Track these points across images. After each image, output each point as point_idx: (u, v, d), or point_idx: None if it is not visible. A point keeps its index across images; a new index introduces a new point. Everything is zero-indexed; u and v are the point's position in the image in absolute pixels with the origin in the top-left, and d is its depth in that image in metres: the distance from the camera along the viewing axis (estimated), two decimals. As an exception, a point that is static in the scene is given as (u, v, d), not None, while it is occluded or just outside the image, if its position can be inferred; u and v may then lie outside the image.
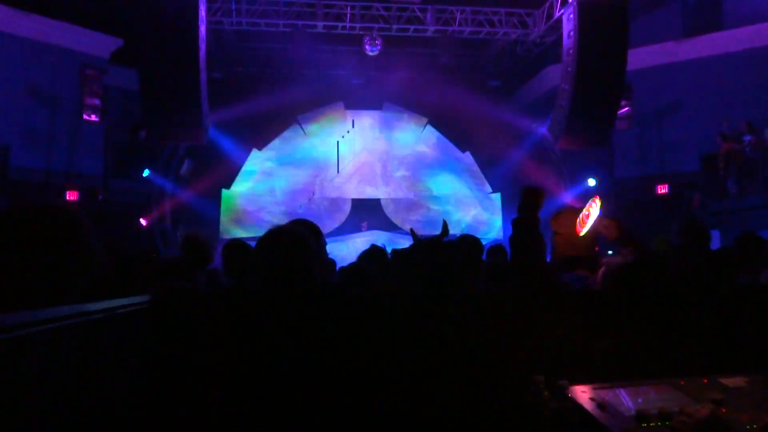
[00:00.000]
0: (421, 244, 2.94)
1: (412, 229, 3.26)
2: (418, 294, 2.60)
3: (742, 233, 3.93)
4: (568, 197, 15.91)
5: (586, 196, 15.28)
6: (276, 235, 2.77)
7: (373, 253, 4.67)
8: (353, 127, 18.71)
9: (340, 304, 2.04)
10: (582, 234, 3.57)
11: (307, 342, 1.88)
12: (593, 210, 3.61)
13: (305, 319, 1.92)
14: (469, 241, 4.63)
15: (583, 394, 1.73)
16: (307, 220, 3.48)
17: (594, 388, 1.77)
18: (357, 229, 17.21)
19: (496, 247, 6.17)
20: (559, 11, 13.84)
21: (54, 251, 1.58)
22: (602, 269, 3.11)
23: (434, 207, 18.49)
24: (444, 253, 2.83)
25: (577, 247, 3.58)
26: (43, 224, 1.60)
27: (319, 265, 2.89)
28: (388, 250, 4.91)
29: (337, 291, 3.03)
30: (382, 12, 14.76)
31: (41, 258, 1.55)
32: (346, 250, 14.34)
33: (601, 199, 3.70)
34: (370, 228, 17.34)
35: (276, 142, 18.31)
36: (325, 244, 3.53)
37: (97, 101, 15.63)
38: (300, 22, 14.66)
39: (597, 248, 3.75)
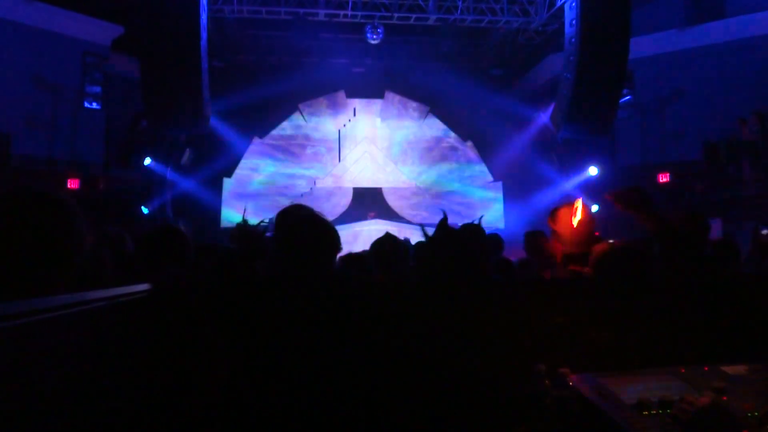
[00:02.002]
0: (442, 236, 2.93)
1: (422, 226, 3.24)
2: (424, 285, 2.60)
3: (688, 213, 3.88)
4: (569, 186, 15.91)
5: (588, 186, 15.37)
6: (302, 221, 2.75)
7: (387, 241, 4.57)
8: (355, 115, 18.70)
9: (347, 293, 2.04)
10: (575, 226, 3.53)
11: (316, 332, 1.88)
12: (578, 210, 3.58)
13: (315, 310, 1.92)
14: (471, 230, 4.60)
15: (584, 382, 1.73)
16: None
17: (595, 377, 1.77)
18: (360, 218, 17.21)
19: (491, 236, 6.07)
20: (561, -1, 13.81)
21: (40, 237, 1.57)
22: (591, 257, 3.12)
23: (436, 196, 18.49)
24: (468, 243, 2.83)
25: (573, 244, 3.55)
26: (30, 210, 1.59)
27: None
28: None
29: (344, 280, 3.04)
30: (384, 0, 14.70)
31: (27, 244, 1.55)
32: (353, 239, 14.31)
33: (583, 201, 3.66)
34: (375, 217, 17.38)
35: (277, 131, 18.32)
36: None
37: (98, 89, 15.61)
38: (301, 10, 14.61)
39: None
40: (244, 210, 3.47)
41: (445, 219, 2.94)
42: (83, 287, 1.59)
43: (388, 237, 4.52)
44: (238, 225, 3.12)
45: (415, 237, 5.61)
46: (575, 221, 3.50)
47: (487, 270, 3.00)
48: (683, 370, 1.84)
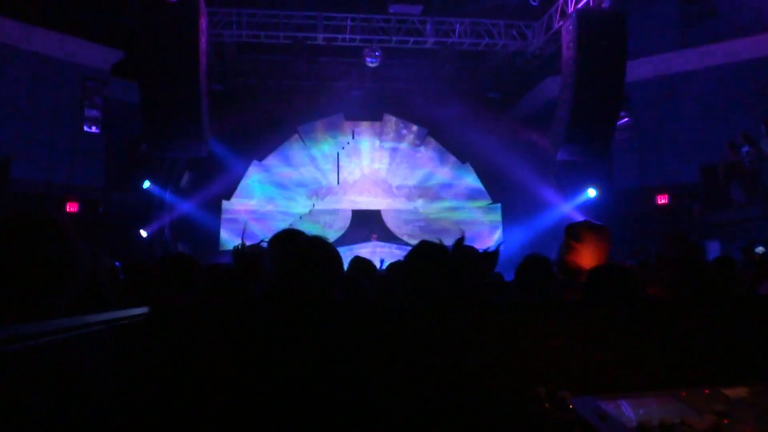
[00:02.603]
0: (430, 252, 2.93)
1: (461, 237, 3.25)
2: (421, 306, 2.59)
3: (676, 236, 3.89)
4: (567, 208, 15.93)
5: (586, 207, 15.39)
6: (310, 244, 2.75)
7: (360, 263, 4.66)
8: (353, 138, 18.77)
9: (343, 315, 2.04)
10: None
11: (313, 356, 1.87)
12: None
13: (313, 333, 1.92)
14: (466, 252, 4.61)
15: (584, 405, 1.72)
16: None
17: (595, 400, 1.76)
18: (359, 240, 17.23)
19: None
20: (558, 23, 13.90)
21: (39, 262, 1.57)
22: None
23: (434, 218, 18.51)
24: (454, 263, 2.83)
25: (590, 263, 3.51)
26: (29, 235, 1.59)
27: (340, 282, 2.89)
28: (389, 261, 4.90)
29: (344, 304, 3.03)
30: (382, 24, 14.82)
31: (25, 269, 1.55)
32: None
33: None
34: (377, 239, 17.42)
35: (276, 154, 18.36)
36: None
37: (97, 113, 15.66)
38: (300, 34, 14.72)
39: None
40: (243, 229, 3.48)
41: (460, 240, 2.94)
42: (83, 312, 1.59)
43: (357, 258, 4.65)
44: (235, 248, 3.12)
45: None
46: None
47: (480, 291, 3.00)
48: (684, 393, 1.84)
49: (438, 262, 2.83)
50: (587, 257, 3.52)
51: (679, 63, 15.96)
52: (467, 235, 3.20)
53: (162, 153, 14.32)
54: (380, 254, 14.65)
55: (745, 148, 13.35)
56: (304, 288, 2.61)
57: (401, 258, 3.28)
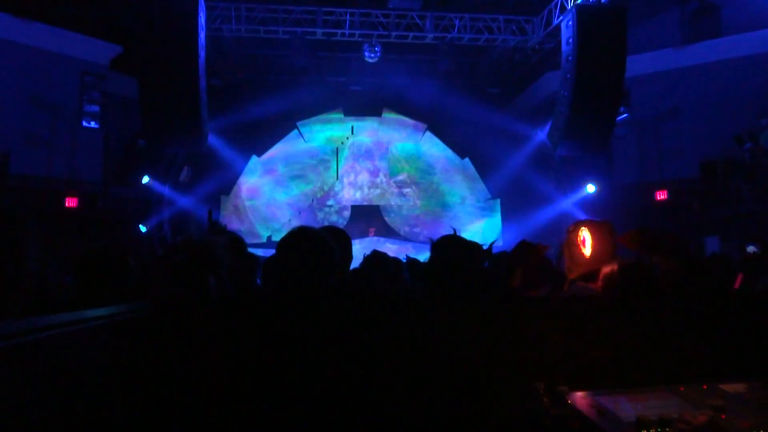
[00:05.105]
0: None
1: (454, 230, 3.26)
2: (424, 301, 2.60)
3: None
4: (567, 203, 15.92)
5: (586, 203, 15.39)
6: (297, 236, 2.76)
7: (377, 258, 4.63)
8: (352, 133, 18.74)
9: (344, 310, 2.04)
10: (589, 256, 3.43)
11: (312, 351, 1.88)
12: (584, 235, 3.46)
13: (313, 326, 1.92)
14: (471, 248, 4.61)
15: (583, 400, 1.72)
16: (335, 227, 3.51)
17: (594, 395, 1.76)
18: (359, 235, 17.22)
19: (498, 255, 5.95)
20: (557, 18, 13.88)
21: None
22: (601, 275, 3.10)
23: (433, 213, 18.50)
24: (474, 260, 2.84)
25: (591, 263, 3.45)
26: None
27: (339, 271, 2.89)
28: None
29: (343, 297, 3.03)
30: (381, 19, 14.79)
31: None
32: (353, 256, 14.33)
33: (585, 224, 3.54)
34: (375, 234, 17.42)
35: (275, 149, 18.34)
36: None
37: (96, 108, 15.63)
38: (299, 29, 14.68)
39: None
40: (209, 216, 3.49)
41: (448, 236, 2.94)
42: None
43: (375, 254, 4.61)
44: (186, 239, 3.11)
45: (412, 254, 5.64)
46: (586, 252, 3.41)
47: (478, 284, 3.00)
48: (682, 388, 1.84)
49: (467, 254, 2.85)
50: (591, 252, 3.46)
51: (679, 58, 15.94)
52: (466, 231, 3.20)
53: (161, 148, 14.30)
54: (375, 249, 14.65)
55: (748, 145, 13.35)
56: (292, 281, 2.63)
57: (399, 254, 3.29)
